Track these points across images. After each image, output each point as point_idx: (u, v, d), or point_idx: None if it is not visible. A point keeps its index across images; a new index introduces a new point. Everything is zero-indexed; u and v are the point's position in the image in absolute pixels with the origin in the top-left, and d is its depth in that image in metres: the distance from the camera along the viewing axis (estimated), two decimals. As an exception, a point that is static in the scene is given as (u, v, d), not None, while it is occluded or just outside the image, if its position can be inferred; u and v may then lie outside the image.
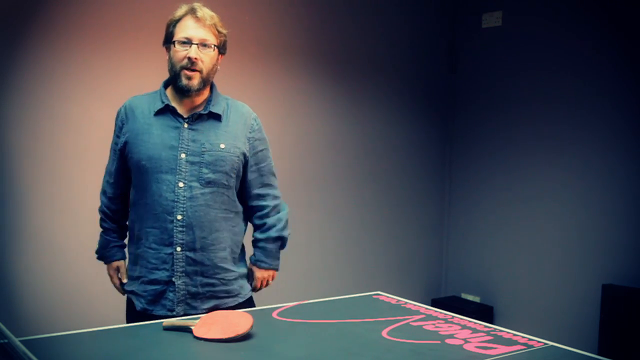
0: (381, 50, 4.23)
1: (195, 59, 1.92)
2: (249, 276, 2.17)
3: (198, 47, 1.93)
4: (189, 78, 1.93)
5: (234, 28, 3.58)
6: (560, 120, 3.94)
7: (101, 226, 2.18)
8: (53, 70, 3.02)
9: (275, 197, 2.17)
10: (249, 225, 2.20)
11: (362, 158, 4.19)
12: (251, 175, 2.10)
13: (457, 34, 4.57)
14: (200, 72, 1.94)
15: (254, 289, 2.18)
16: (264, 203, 2.14)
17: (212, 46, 1.96)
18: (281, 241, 2.18)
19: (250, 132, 2.08)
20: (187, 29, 1.93)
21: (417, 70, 4.44)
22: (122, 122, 2.04)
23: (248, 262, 2.18)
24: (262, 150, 2.12)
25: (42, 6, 2.98)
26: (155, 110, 1.99)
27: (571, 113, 3.88)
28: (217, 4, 3.53)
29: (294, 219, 3.89)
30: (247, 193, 2.11)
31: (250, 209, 2.14)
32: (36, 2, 2.97)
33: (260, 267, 2.16)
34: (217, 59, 2.01)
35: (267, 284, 2.22)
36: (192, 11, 1.95)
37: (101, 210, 2.16)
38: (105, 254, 2.16)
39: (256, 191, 2.12)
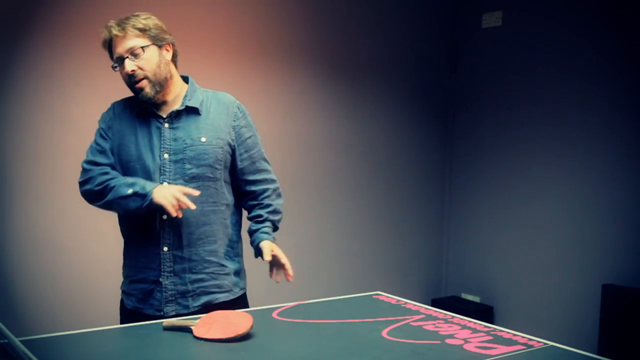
0: (381, 51, 4.23)
1: (132, 71, 1.92)
2: (242, 272, 2.15)
3: (129, 59, 1.92)
4: (140, 89, 1.94)
5: (234, 28, 3.60)
6: (560, 120, 3.94)
7: (105, 183, 1.94)
8: (53, 70, 3.02)
9: (274, 181, 2.16)
10: (245, 220, 2.18)
11: (362, 158, 4.19)
12: (242, 164, 2.08)
13: (457, 34, 4.57)
14: (147, 78, 1.94)
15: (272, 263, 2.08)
16: (264, 187, 2.12)
17: (141, 48, 1.93)
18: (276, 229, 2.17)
19: (234, 121, 2.06)
20: (114, 48, 1.95)
21: (417, 70, 4.44)
22: (110, 123, 2.03)
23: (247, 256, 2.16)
24: (250, 137, 2.09)
25: (42, 6, 2.98)
26: (136, 113, 2.01)
27: (571, 113, 3.88)
28: (218, 4, 3.54)
29: (294, 219, 3.92)
30: (241, 181, 2.10)
31: (248, 193, 2.12)
32: (36, 2, 2.97)
33: (274, 241, 2.10)
34: (159, 54, 1.97)
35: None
36: (109, 32, 1.95)
37: (96, 177, 1.97)
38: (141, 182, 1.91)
39: (252, 177, 2.10)
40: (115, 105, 2.08)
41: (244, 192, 2.12)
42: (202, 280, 2.00)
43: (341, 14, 4.03)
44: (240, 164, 2.07)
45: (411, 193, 4.47)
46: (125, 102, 2.07)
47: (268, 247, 2.03)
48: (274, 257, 2.04)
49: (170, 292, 1.97)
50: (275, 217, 2.13)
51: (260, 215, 2.11)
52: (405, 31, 4.35)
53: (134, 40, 1.93)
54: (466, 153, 4.53)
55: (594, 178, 3.77)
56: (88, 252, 3.15)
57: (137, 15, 1.96)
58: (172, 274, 1.97)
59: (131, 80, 1.93)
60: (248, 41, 3.63)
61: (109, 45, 1.97)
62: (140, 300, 1.99)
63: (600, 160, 3.74)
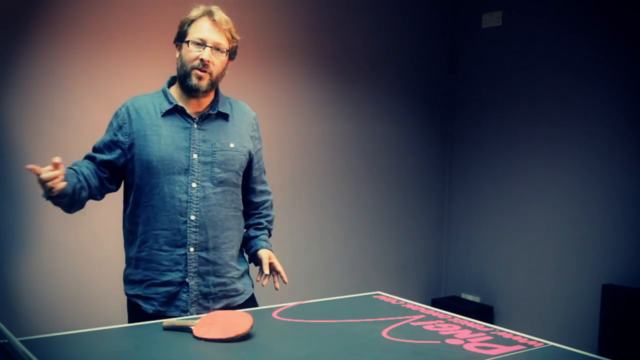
0: (381, 51, 4.23)
1: (208, 61, 1.94)
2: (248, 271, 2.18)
3: (211, 50, 1.95)
4: (199, 78, 1.94)
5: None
6: (560, 120, 3.94)
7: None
8: (53, 70, 3.02)
9: (270, 193, 2.29)
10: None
11: (362, 158, 4.19)
12: (255, 173, 2.16)
13: (457, 34, 4.57)
14: (210, 74, 1.96)
15: (269, 272, 2.11)
16: (266, 197, 2.24)
17: (225, 51, 1.98)
18: None
19: (252, 131, 2.13)
20: (202, 30, 1.95)
21: (417, 70, 4.44)
22: (122, 122, 1.99)
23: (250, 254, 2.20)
24: (260, 149, 2.20)
25: (42, 6, 2.98)
26: (163, 111, 1.98)
27: (571, 113, 3.88)
28: (218, 4, 3.54)
29: (294, 219, 3.92)
30: (250, 189, 2.17)
31: (253, 203, 2.20)
32: (36, 2, 2.97)
33: (271, 250, 2.19)
34: (227, 64, 2.03)
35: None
36: (209, 14, 1.97)
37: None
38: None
39: (259, 187, 2.20)
40: (132, 101, 2.02)
41: (248, 200, 2.18)
42: (224, 284, 2.03)
43: (341, 13, 4.03)
44: (254, 173, 2.15)
45: (411, 193, 4.47)
46: (144, 99, 2.03)
47: (267, 256, 2.11)
48: (270, 264, 2.11)
49: (194, 293, 1.97)
50: (271, 226, 2.25)
51: (261, 223, 2.19)
52: (405, 31, 4.35)
53: (224, 40, 1.98)
54: (466, 153, 4.53)
55: (594, 178, 3.77)
56: (88, 252, 3.15)
57: (230, 20, 2.01)
58: (196, 275, 1.97)
59: (198, 66, 1.93)
60: (248, 41, 3.62)
61: (191, 22, 1.96)
62: (164, 304, 1.96)
63: (600, 160, 3.74)
